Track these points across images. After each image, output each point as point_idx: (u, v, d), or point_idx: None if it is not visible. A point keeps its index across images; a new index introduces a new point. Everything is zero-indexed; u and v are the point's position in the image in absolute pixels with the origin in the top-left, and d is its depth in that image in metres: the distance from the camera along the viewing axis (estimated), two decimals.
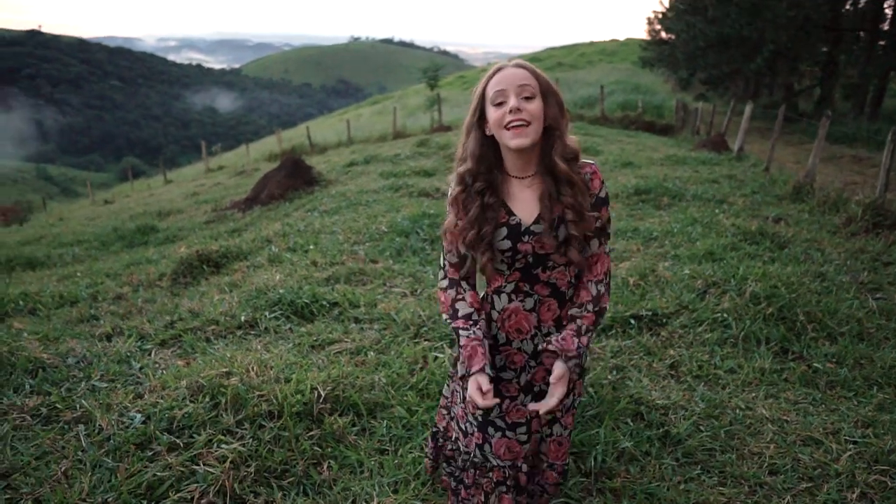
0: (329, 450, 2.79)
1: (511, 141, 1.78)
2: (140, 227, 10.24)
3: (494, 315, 1.98)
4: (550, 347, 1.87)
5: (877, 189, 7.85)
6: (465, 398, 2.08)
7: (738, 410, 3.29)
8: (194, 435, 2.72)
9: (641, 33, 41.95)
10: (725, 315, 4.33)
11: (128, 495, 2.36)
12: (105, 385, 3.21)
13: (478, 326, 1.93)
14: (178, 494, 2.38)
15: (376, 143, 20.15)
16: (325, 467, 2.69)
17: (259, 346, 3.77)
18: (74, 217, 17.07)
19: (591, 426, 2.97)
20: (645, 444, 2.93)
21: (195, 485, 2.44)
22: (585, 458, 2.79)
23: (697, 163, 12.12)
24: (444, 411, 2.37)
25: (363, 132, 24.99)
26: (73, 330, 4.63)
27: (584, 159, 1.89)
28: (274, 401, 2.92)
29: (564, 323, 1.95)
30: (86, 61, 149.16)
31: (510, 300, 1.93)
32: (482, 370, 1.87)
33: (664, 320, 4.38)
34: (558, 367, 1.86)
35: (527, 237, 1.86)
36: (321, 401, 2.99)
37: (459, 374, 1.95)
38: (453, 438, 2.25)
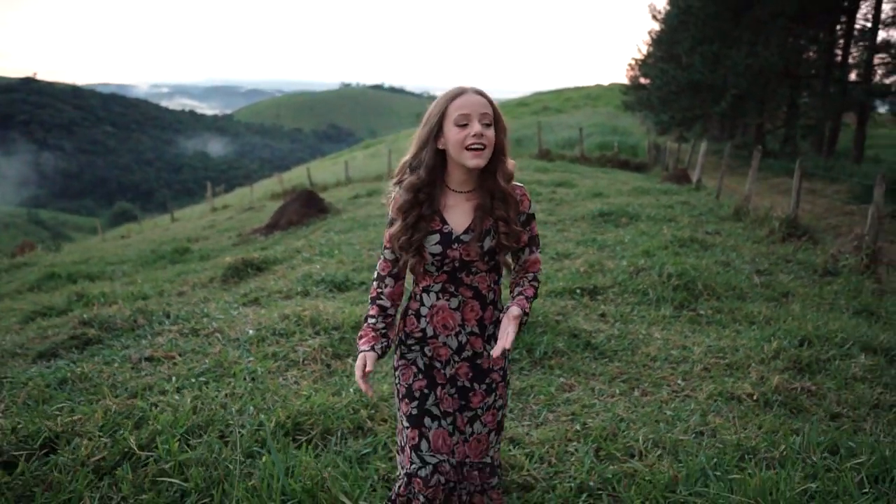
0: None
1: (470, 161, 1.98)
2: (176, 248, 11.86)
3: (424, 311, 2.15)
4: (511, 307, 2.06)
5: (790, 207, 9.59)
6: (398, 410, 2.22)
7: (640, 334, 4.95)
8: (290, 337, 4.37)
9: (624, 79, 44.04)
10: (646, 287, 6.01)
11: (261, 357, 4.00)
12: (221, 317, 4.86)
13: (384, 320, 2.18)
14: (290, 358, 4.03)
15: (374, 182, 21.91)
16: None
17: (316, 303, 5.41)
18: (100, 248, 18.62)
19: (538, 338, 4.60)
20: (573, 347, 4.58)
21: (299, 353, 4.08)
22: (534, 350, 4.43)
23: (660, 192, 13.87)
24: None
25: (359, 173, 26.75)
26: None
27: (514, 182, 2.12)
28: (336, 321, 4.57)
29: (486, 324, 2.16)
30: (79, 107, 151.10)
31: (438, 298, 2.13)
32: (371, 349, 2.11)
33: (601, 291, 6.05)
34: (514, 309, 2.06)
35: (456, 245, 2.06)
36: None
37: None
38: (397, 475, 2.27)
